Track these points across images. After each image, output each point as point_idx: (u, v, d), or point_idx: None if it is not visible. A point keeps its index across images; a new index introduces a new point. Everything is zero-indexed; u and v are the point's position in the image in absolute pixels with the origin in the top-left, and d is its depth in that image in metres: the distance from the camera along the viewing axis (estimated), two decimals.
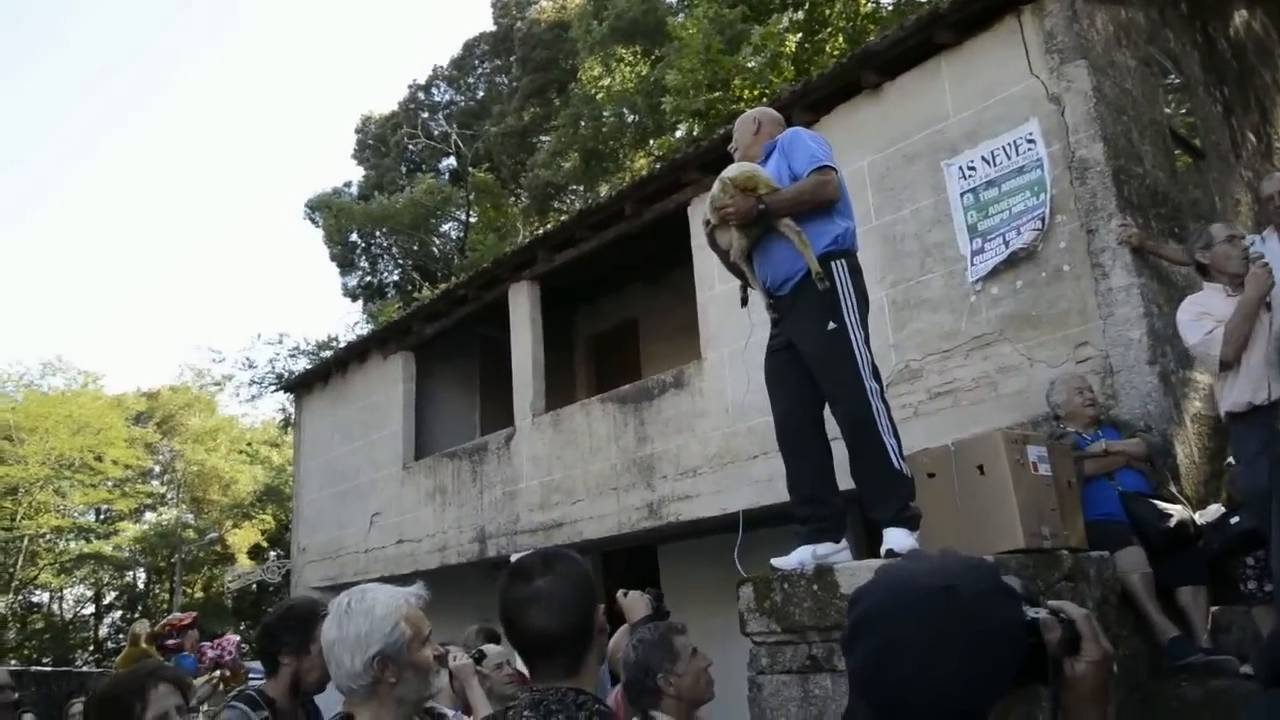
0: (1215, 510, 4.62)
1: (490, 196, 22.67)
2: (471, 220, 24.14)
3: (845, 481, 3.84)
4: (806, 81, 7.42)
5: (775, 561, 3.70)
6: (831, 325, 3.62)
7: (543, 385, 9.54)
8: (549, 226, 11.50)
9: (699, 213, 8.06)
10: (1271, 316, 4.02)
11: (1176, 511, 4.44)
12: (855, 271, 3.78)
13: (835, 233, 3.75)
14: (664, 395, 8.26)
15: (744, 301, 4.27)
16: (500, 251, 17.33)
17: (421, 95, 28.14)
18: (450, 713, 2.53)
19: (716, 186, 3.82)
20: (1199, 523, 4.45)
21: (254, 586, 31.52)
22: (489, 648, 4.34)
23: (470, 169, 23.49)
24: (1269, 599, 3.99)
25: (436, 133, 26.62)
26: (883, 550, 3.42)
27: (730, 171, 3.84)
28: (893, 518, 3.53)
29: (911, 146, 6.57)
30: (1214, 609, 4.37)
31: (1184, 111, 7.23)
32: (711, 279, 7.92)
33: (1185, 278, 5.85)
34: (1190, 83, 7.12)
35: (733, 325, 7.59)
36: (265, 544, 33.59)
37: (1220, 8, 7.95)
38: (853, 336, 3.62)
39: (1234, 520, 4.17)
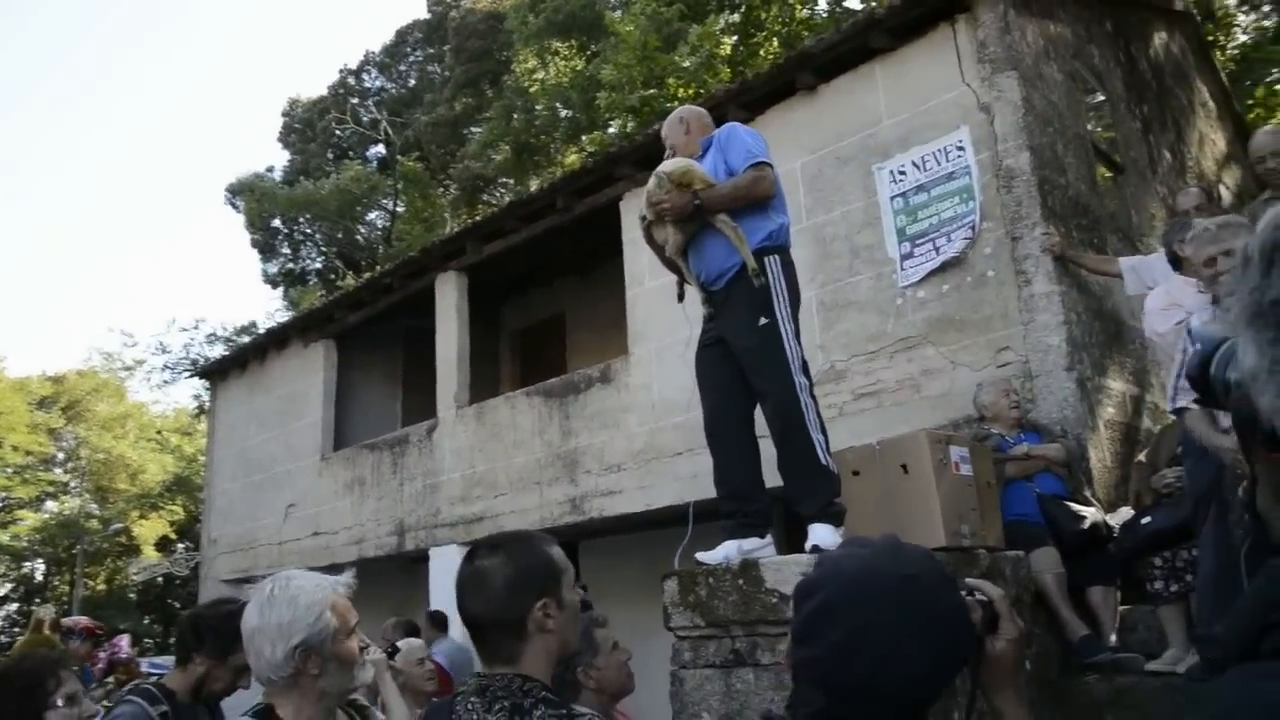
0: (1126, 513, 4.75)
1: (419, 186, 22.33)
2: (399, 210, 23.76)
3: (770, 478, 3.85)
4: (743, 81, 7.45)
5: (700, 556, 3.69)
6: (763, 320, 3.63)
7: (467, 377, 9.41)
8: (478, 217, 11.36)
9: (631, 207, 8.04)
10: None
11: (1090, 514, 4.56)
12: (788, 267, 3.79)
13: (770, 228, 3.76)
14: (590, 390, 8.20)
15: (680, 297, 4.24)
16: (428, 242, 17.10)
17: (352, 80, 27.62)
18: (373, 707, 2.45)
19: (652, 182, 3.79)
20: (1110, 525, 4.57)
21: (160, 579, 30.63)
22: (406, 642, 4.25)
23: (399, 158, 23.13)
24: (1175, 598, 4.10)
25: (366, 119, 26.15)
26: (808, 546, 3.43)
27: (666, 167, 3.81)
28: (818, 513, 3.54)
29: (844, 149, 6.63)
30: (1122, 608, 4.49)
31: (1105, 127, 7.43)
32: (641, 274, 7.89)
33: (1102, 287, 6.02)
34: (1112, 99, 7.32)
35: (661, 321, 7.58)
36: (174, 535, 32.59)
37: (1142, 28, 8.20)
38: (783, 331, 3.62)
39: (1145, 521, 4.28)
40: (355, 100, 27.01)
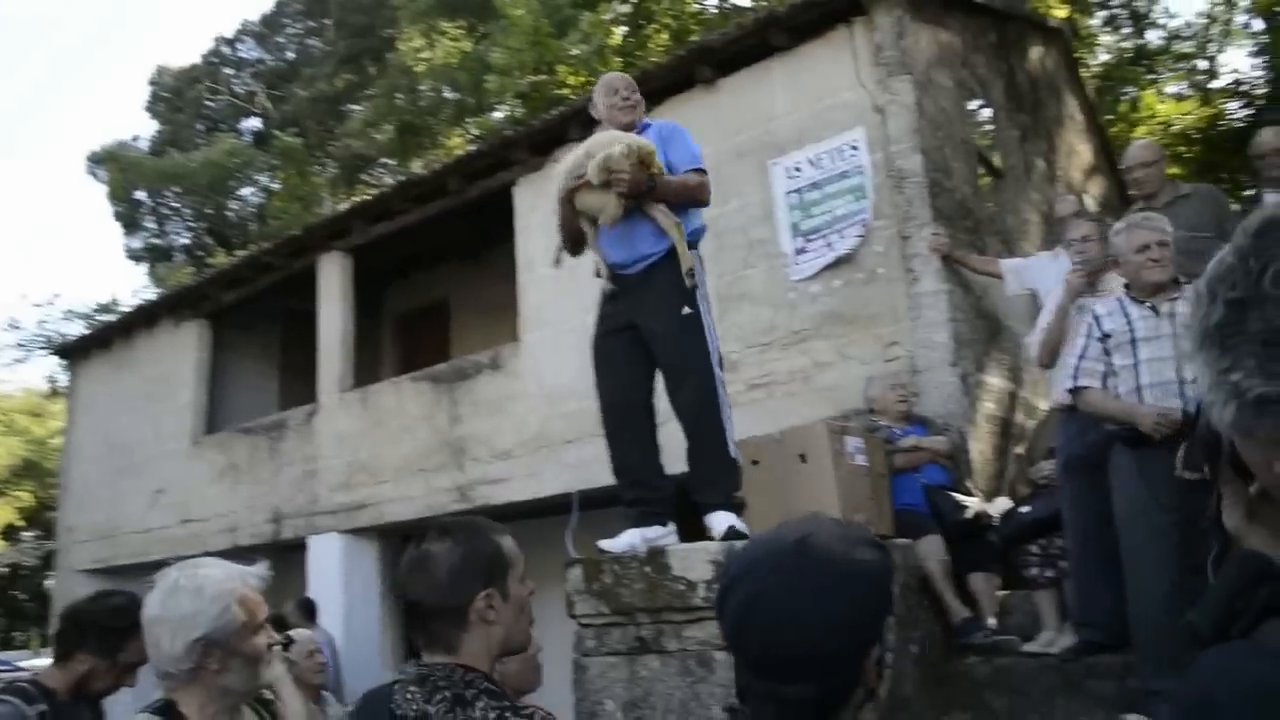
0: (1004, 503, 4.98)
1: (296, 163, 21.56)
2: (274, 187, 22.90)
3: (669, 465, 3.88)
4: (644, 70, 7.46)
5: (603, 544, 3.68)
6: (686, 310, 3.68)
7: (351, 361, 9.17)
8: (365, 197, 11.06)
9: (525, 193, 7.98)
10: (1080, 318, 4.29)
11: (972, 504, 4.76)
12: (702, 263, 3.85)
13: (694, 226, 3.87)
14: (479, 376, 8.11)
15: (557, 262, 4.21)
16: (306, 221, 16.53)
17: (226, 50, 26.43)
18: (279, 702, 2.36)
19: (619, 148, 3.66)
20: (991, 514, 4.78)
21: (5, 569, 28.88)
22: (298, 633, 4.13)
23: (276, 132, 22.26)
24: (1049, 584, 4.33)
25: (241, 91, 25.10)
26: (717, 532, 3.46)
27: (637, 140, 3.76)
28: (723, 502, 3.59)
29: (741, 143, 6.72)
30: (1001, 593, 4.71)
31: (986, 134, 7.74)
32: (534, 260, 7.83)
33: (983, 287, 6.27)
34: (994, 107, 7.64)
35: (554, 308, 7.55)
36: (21, 523, 30.70)
37: (1020, 42, 8.57)
38: (705, 323, 3.68)
39: (1023, 510, 4.50)
40: (230, 71, 25.90)
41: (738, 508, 3.65)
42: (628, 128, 3.92)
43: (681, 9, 18.70)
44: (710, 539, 3.50)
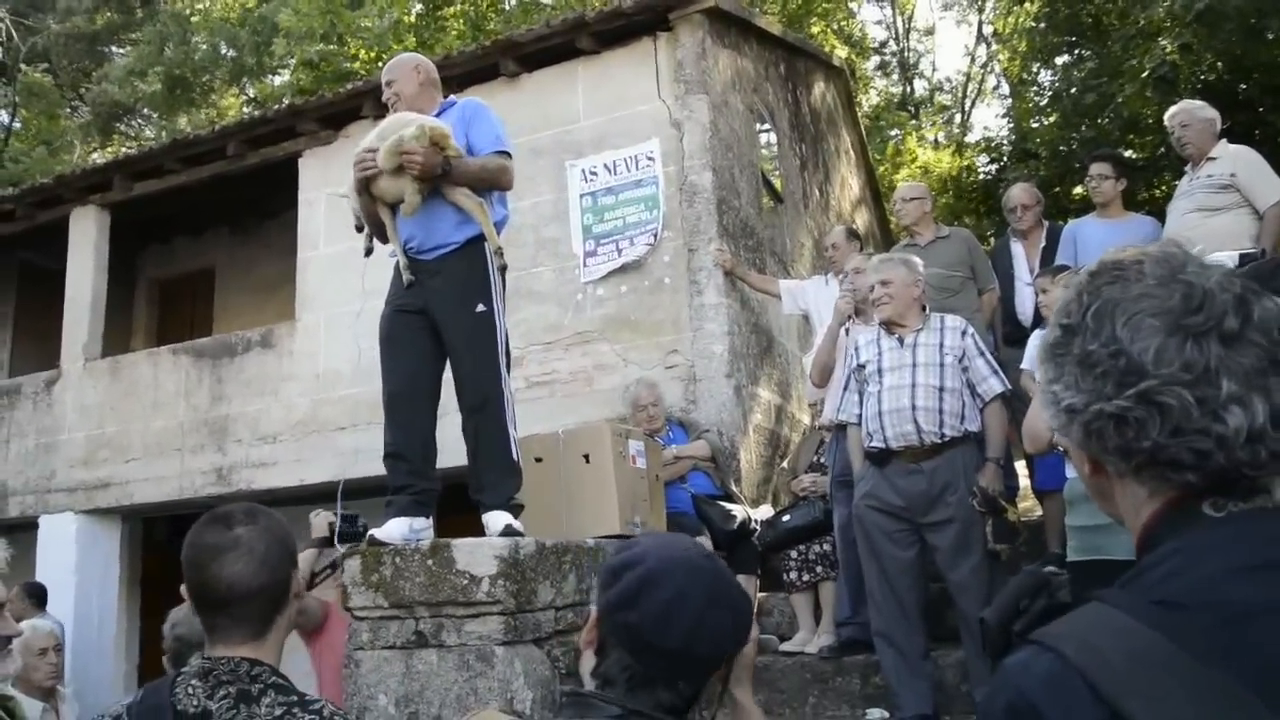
0: (767, 510, 5.29)
1: (44, 103, 19.60)
2: (16, 126, 20.70)
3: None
4: (447, 56, 7.34)
5: (375, 532, 3.59)
6: (480, 307, 3.60)
7: (101, 327, 8.44)
8: (128, 149, 10.22)
9: (312, 166, 7.67)
10: (849, 343, 4.64)
11: (739, 512, 5.01)
12: (502, 255, 3.80)
13: (495, 219, 3.75)
14: (248, 353, 7.69)
15: (368, 252, 4.03)
16: (50, 166, 15.04)
17: None
18: (18, 695, 2.18)
19: (411, 130, 3.50)
20: (755, 520, 5.05)
21: None
22: (32, 625, 3.79)
23: (22, 66, 20.12)
24: (806, 588, 4.64)
25: None
26: (494, 530, 3.46)
27: (430, 121, 3.62)
28: (502, 504, 3.60)
29: (540, 141, 6.75)
30: (761, 595, 5.00)
31: (770, 159, 8.17)
32: (316, 237, 7.54)
33: (760, 303, 6.62)
34: (779, 135, 8.07)
35: (334, 289, 7.29)
36: None
37: (806, 76, 9.10)
38: (497, 322, 3.64)
39: (784, 519, 4.79)
40: None
41: (516, 510, 3.66)
42: (425, 112, 3.79)
43: None
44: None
